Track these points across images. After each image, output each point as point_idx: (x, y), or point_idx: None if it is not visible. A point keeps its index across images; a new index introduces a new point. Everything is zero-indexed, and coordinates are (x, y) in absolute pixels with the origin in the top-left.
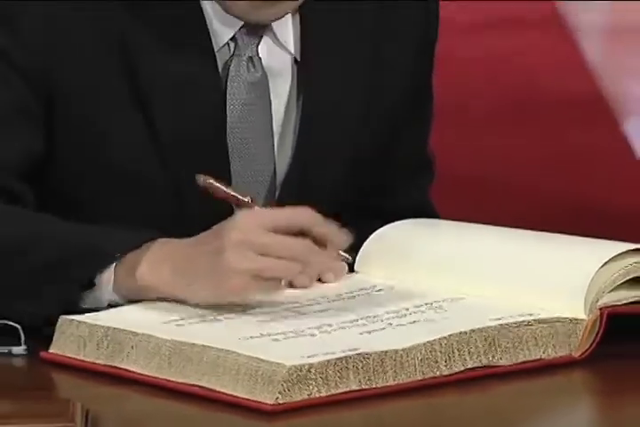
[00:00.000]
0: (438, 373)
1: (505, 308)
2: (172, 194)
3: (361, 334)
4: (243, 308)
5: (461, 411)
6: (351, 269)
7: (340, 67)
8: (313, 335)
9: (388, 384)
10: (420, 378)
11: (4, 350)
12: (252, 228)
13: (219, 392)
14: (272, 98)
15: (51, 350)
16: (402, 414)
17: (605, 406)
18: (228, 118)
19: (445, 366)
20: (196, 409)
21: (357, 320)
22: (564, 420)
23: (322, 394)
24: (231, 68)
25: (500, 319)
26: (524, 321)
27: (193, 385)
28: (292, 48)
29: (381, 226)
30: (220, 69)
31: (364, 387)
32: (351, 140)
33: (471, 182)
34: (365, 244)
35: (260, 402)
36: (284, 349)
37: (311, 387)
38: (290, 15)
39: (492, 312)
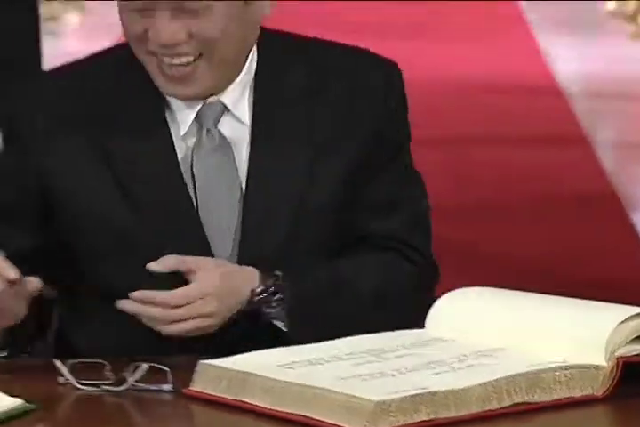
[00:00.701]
0: (490, 407)
1: (542, 357)
2: (152, 247)
3: (430, 375)
4: (340, 354)
5: None
6: None
7: (291, 133)
8: (393, 376)
9: (450, 416)
10: (476, 411)
11: (156, 387)
12: None
13: (319, 420)
14: (236, 161)
15: (191, 388)
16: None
17: None
18: (196, 182)
19: (496, 401)
20: None
21: (427, 364)
22: None
23: (400, 423)
24: (195, 140)
25: (538, 365)
26: (557, 367)
27: (300, 415)
28: (247, 120)
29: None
30: (185, 145)
31: (432, 418)
32: (299, 195)
33: (491, 263)
34: (436, 304)
35: None
36: (370, 387)
37: (391, 417)
38: (247, 89)
39: (532, 360)
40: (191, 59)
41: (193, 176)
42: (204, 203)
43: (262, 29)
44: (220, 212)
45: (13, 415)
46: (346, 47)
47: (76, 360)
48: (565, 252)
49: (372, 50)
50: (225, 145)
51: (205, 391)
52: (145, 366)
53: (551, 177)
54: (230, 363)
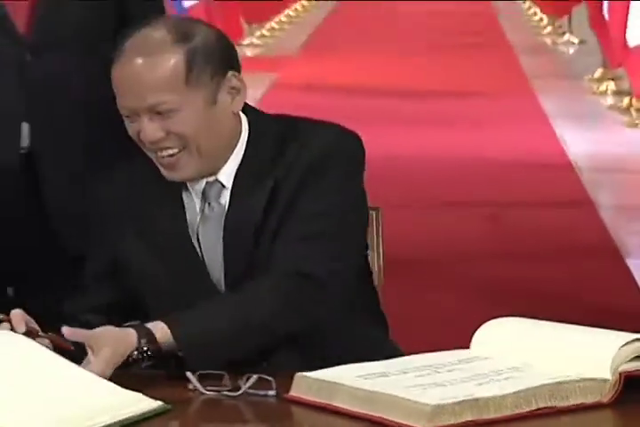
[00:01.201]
0: (521, 410)
1: (561, 371)
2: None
3: (474, 385)
4: (403, 368)
5: None
6: None
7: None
8: (445, 386)
9: (490, 417)
10: (509, 414)
11: (264, 393)
12: None
13: (390, 420)
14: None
15: (291, 393)
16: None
17: None
18: (201, 243)
19: (525, 406)
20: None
21: (472, 377)
22: None
23: (450, 422)
24: (200, 210)
25: (558, 378)
26: (573, 380)
27: (375, 415)
28: (230, 185)
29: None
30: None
31: (475, 418)
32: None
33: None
34: (479, 330)
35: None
36: (429, 394)
37: (444, 418)
38: (236, 164)
39: (553, 374)
40: (176, 150)
41: (198, 239)
42: (207, 254)
43: (256, 112)
44: (216, 256)
45: (155, 414)
46: (320, 124)
47: (202, 371)
48: (575, 289)
49: (424, 137)
50: (222, 210)
51: (302, 396)
52: (255, 376)
53: (561, 231)
54: (321, 375)
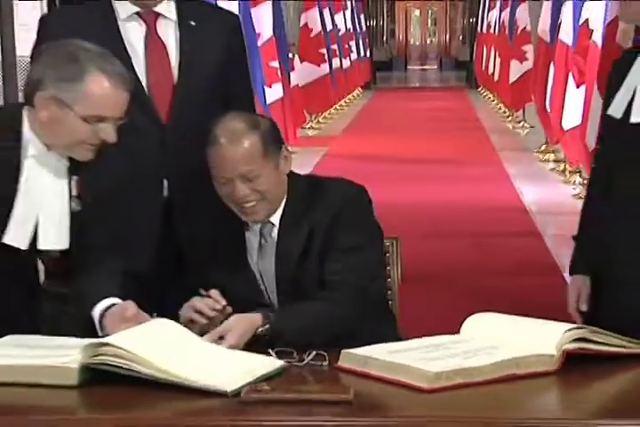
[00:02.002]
0: (494, 376)
1: (525, 350)
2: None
3: (463, 358)
4: (411, 347)
5: (497, 389)
6: None
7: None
8: (442, 359)
9: (473, 381)
10: (487, 378)
11: (320, 363)
12: None
13: (405, 382)
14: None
15: (339, 364)
16: (482, 388)
17: (565, 389)
18: (260, 263)
19: (498, 372)
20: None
21: (461, 352)
22: (546, 396)
23: (446, 384)
24: (259, 245)
25: (521, 354)
26: (531, 355)
27: (395, 379)
28: (277, 224)
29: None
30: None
31: (462, 382)
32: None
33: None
34: (466, 320)
35: (420, 386)
36: (431, 364)
37: (441, 381)
38: (282, 209)
39: (518, 351)
40: (254, 203)
41: (259, 268)
42: (265, 277)
43: (291, 173)
44: (271, 278)
45: (278, 372)
46: (336, 180)
47: (278, 349)
48: (527, 293)
49: (426, 189)
50: (273, 243)
51: (345, 366)
52: (314, 352)
53: (518, 253)
54: (359, 351)
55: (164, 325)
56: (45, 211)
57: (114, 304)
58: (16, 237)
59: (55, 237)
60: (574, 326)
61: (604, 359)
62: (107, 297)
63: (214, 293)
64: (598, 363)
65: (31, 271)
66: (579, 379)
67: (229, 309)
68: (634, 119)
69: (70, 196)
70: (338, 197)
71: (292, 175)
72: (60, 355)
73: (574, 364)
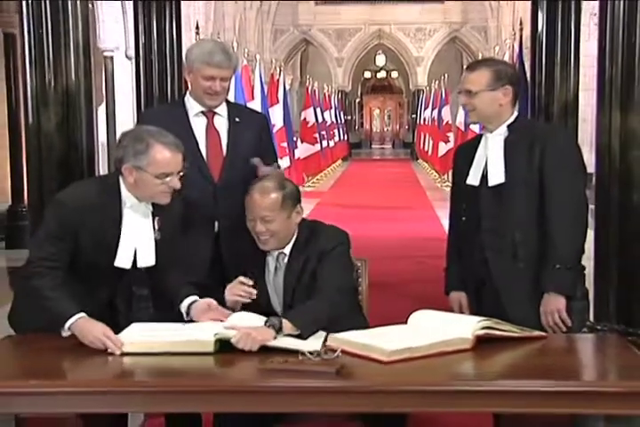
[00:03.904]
0: (430, 352)
1: (450, 333)
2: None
3: (409, 339)
4: (379, 333)
5: (433, 361)
6: None
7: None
8: (396, 341)
9: (416, 355)
10: (425, 353)
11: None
12: None
13: (371, 357)
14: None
15: (327, 343)
16: (422, 361)
17: (479, 360)
18: (272, 281)
19: (433, 350)
20: (365, 361)
21: (408, 335)
22: (465, 365)
23: (398, 358)
24: (274, 271)
25: (448, 336)
26: (455, 338)
27: (364, 354)
28: (288, 254)
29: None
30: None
31: (409, 356)
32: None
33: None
34: (412, 314)
35: (381, 360)
36: (388, 344)
37: (394, 356)
38: (291, 244)
39: (446, 334)
40: (267, 237)
41: (272, 283)
42: (276, 290)
43: (303, 220)
44: (279, 291)
45: None
46: (327, 226)
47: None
48: None
49: (384, 226)
50: (283, 266)
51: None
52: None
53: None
54: (342, 335)
55: (246, 314)
56: (140, 242)
57: (196, 300)
58: (122, 260)
59: (147, 258)
60: (484, 318)
61: (505, 340)
62: (188, 296)
63: (242, 278)
64: (501, 343)
65: (120, 281)
66: (487, 354)
67: (254, 291)
68: (491, 183)
69: (154, 230)
70: (326, 241)
71: (302, 221)
72: (189, 334)
73: (485, 344)
